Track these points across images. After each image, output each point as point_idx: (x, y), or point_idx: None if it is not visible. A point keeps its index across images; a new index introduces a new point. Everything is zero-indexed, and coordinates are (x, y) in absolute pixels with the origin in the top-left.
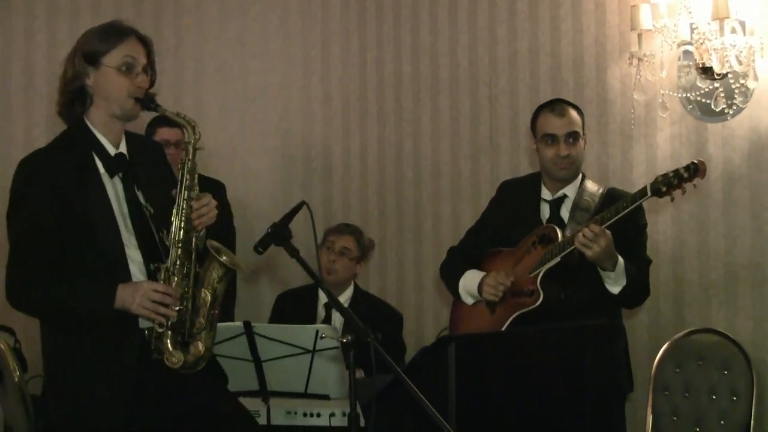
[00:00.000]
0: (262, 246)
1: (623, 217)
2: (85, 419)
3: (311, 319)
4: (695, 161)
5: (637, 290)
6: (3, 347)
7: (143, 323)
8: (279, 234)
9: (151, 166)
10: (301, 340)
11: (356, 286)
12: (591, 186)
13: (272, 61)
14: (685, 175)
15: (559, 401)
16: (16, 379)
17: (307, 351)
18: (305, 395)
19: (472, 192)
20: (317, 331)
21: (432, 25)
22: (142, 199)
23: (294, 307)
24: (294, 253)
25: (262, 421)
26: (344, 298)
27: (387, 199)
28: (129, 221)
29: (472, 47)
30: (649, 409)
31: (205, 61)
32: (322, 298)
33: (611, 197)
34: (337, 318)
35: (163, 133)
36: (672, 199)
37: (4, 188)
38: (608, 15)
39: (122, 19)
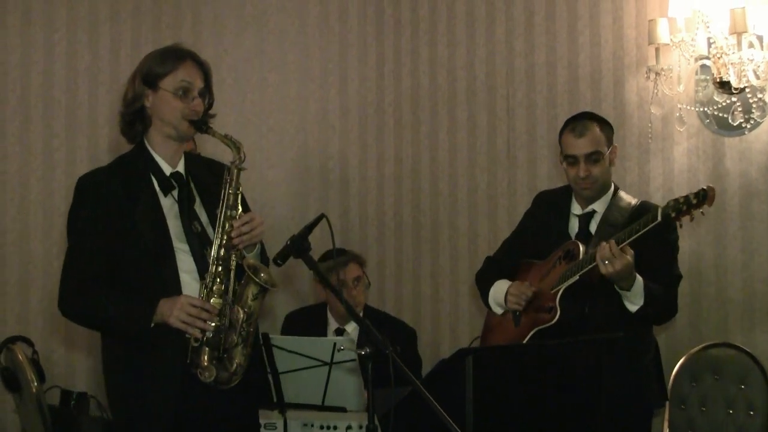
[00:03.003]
0: (281, 258)
1: (646, 235)
2: (137, 425)
3: None
4: (705, 187)
5: (660, 309)
6: (21, 358)
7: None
8: (298, 246)
9: (209, 186)
10: (318, 353)
11: (366, 305)
12: (624, 199)
13: (290, 73)
14: (694, 201)
15: (577, 415)
16: (34, 390)
17: (325, 363)
18: (322, 407)
19: (488, 204)
20: (335, 344)
21: (449, 38)
22: (196, 217)
23: (303, 327)
24: (313, 265)
25: None
26: None
27: (404, 211)
28: (183, 236)
29: (490, 60)
30: (666, 423)
31: (222, 74)
32: (332, 323)
33: (640, 211)
34: None
35: None
36: (680, 226)
37: (26, 198)
38: (626, 29)
39: (181, 43)
